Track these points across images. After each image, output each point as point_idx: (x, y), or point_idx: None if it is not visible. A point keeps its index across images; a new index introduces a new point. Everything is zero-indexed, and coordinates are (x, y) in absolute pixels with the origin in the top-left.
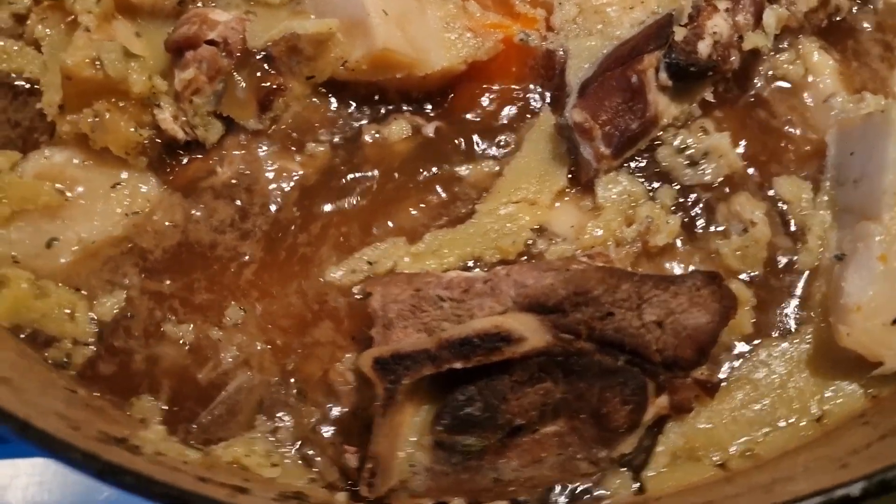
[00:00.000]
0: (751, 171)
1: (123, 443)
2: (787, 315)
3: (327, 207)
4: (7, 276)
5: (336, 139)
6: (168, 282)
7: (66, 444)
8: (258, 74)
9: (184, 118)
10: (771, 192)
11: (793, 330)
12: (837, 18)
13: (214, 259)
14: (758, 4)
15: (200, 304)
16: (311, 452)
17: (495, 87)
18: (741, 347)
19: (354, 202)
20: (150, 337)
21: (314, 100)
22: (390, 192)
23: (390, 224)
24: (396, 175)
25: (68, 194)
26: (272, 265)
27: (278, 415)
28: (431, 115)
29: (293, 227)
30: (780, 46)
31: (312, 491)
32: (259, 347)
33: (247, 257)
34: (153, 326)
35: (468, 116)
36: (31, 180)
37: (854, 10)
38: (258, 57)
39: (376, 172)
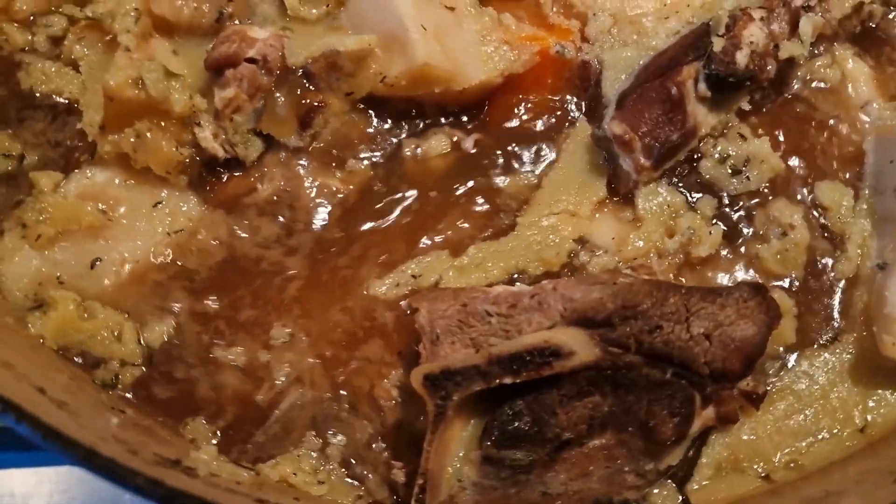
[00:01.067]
0: (793, 163)
1: (178, 465)
2: (828, 324)
3: (367, 226)
4: (54, 298)
5: (376, 156)
6: (212, 299)
7: (131, 471)
8: (298, 91)
9: (223, 136)
10: (809, 198)
11: (834, 339)
12: (871, 25)
13: (258, 274)
14: (793, 12)
15: (245, 322)
16: (359, 469)
17: (532, 98)
18: (784, 357)
19: (394, 220)
20: (202, 360)
21: (353, 116)
22: (430, 210)
23: (434, 239)
24: (435, 193)
25: (111, 214)
26: (316, 284)
27: (330, 431)
28: (469, 127)
29: (334, 249)
30: (815, 53)
31: None
32: (310, 362)
33: (292, 272)
34: (203, 349)
35: (506, 126)
36: (73, 200)
37: (890, 17)
38: (298, 74)
39: (415, 192)
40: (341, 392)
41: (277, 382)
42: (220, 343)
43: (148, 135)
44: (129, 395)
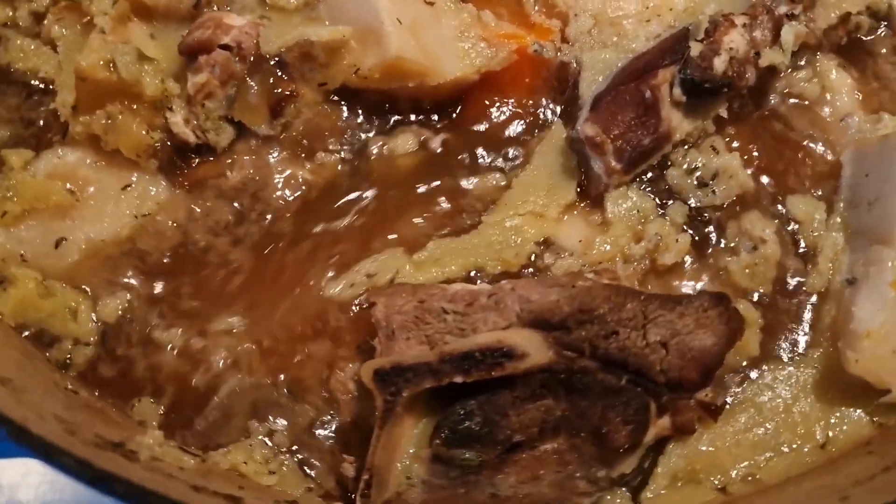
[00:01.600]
0: (765, 180)
1: (120, 448)
2: (794, 338)
3: (319, 227)
4: (15, 276)
5: (344, 151)
6: (161, 284)
7: (60, 450)
8: (271, 80)
9: (195, 122)
10: (782, 211)
11: (800, 354)
12: (857, 37)
13: (205, 264)
14: (776, 20)
15: (186, 311)
16: (308, 458)
17: (507, 100)
18: (747, 370)
19: (348, 222)
20: (145, 341)
21: (325, 107)
22: (387, 211)
23: (387, 237)
24: (394, 192)
25: (79, 195)
26: (262, 281)
27: (271, 417)
28: (439, 126)
29: (282, 245)
30: (798, 63)
31: (308, 500)
32: (247, 347)
33: (236, 264)
34: (146, 330)
35: (476, 128)
36: (43, 180)
37: (875, 30)
38: (271, 63)
39: (374, 191)
40: (280, 377)
41: (214, 367)
42: (160, 323)
43: (119, 117)
44: (78, 375)
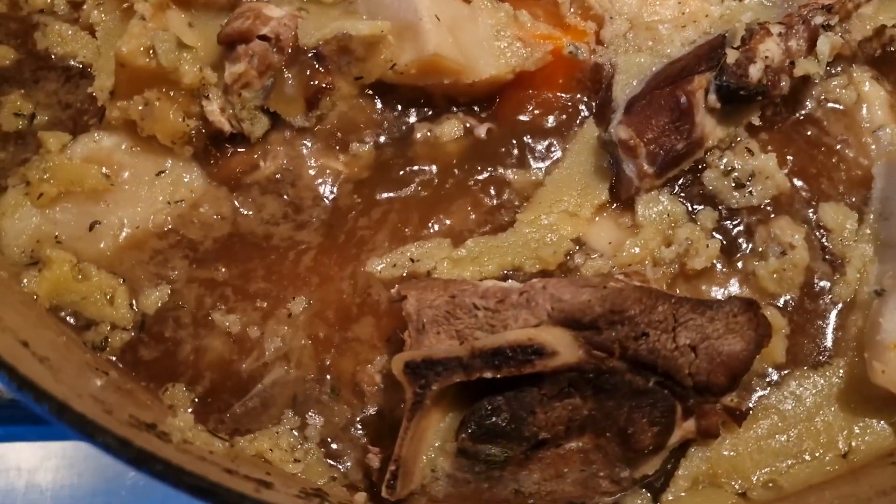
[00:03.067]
0: (798, 183)
1: (153, 429)
2: (820, 346)
3: (387, 195)
4: (50, 258)
5: (382, 139)
6: (223, 269)
7: (101, 428)
8: (308, 72)
9: (231, 111)
10: (813, 217)
11: (825, 362)
12: (891, 49)
13: (271, 249)
14: (812, 31)
15: (255, 293)
16: (335, 448)
17: (542, 96)
18: (772, 376)
19: (414, 191)
20: (197, 324)
21: (360, 100)
22: (449, 188)
23: (443, 222)
24: (456, 171)
25: (114, 179)
26: (331, 249)
27: (309, 412)
28: (483, 116)
29: (354, 213)
30: (832, 73)
31: (333, 489)
32: (302, 342)
33: (304, 245)
34: (202, 313)
35: (517, 118)
36: (79, 163)
37: None
38: (309, 55)
39: (434, 168)
40: (326, 375)
41: (266, 355)
42: (221, 307)
43: (156, 103)
44: (114, 359)
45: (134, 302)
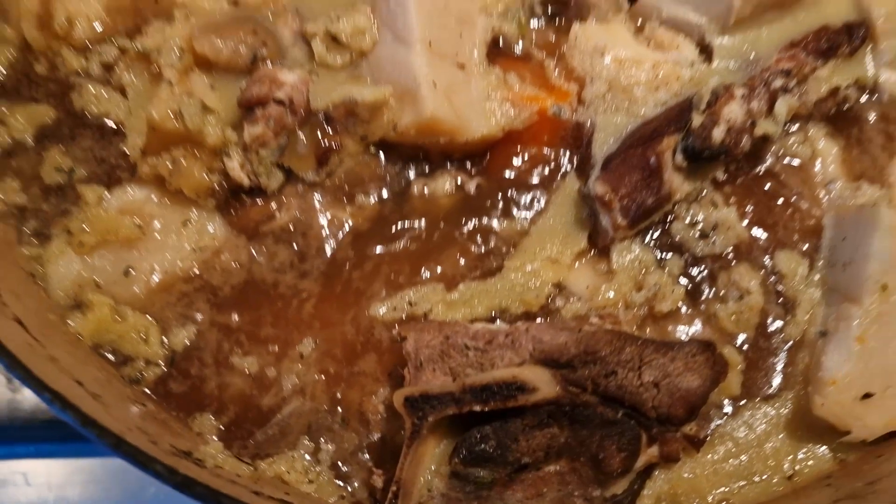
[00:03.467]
0: (757, 232)
1: (189, 456)
2: (771, 381)
3: (379, 249)
4: (91, 301)
5: (384, 193)
6: (236, 317)
7: (151, 458)
8: (318, 133)
9: (249, 167)
10: (769, 264)
11: (775, 395)
12: (845, 108)
13: (277, 297)
14: (772, 93)
15: (265, 338)
16: (344, 471)
17: (528, 154)
18: (728, 407)
19: (404, 246)
20: (219, 365)
21: (365, 157)
22: (437, 240)
23: (435, 270)
24: (442, 225)
25: (145, 228)
26: (330, 298)
27: (322, 439)
28: (472, 172)
29: (348, 265)
30: (790, 130)
31: None
32: (315, 377)
33: (305, 294)
34: (222, 356)
35: (505, 174)
36: (114, 214)
37: (861, 100)
38: (319, 117)
39: (424, 222)
40: (338, 408)
41: (284, 390)
42: (238, 352)
43: (182, 161)
44: (148, 391)
45: (165, 339)
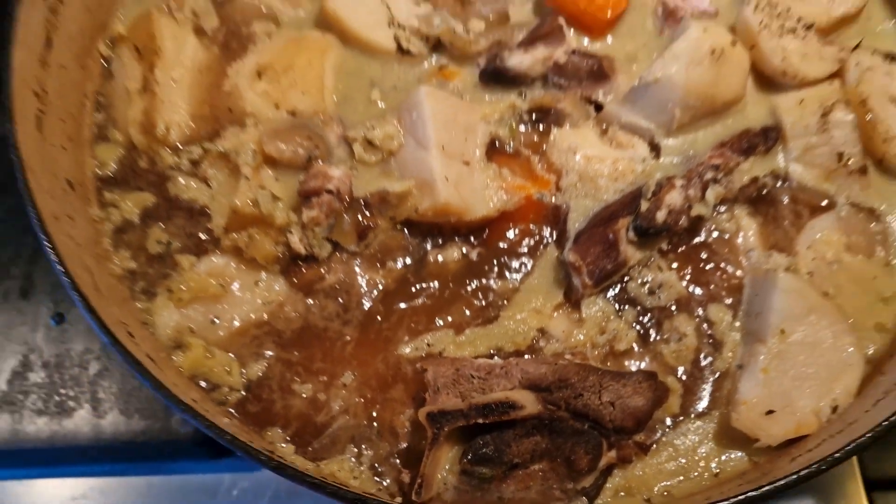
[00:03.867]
0: (693, 289)
1: (272, 454)
2: (702, 402)
3: (403, 304)
4: (189, 343)
5: (407, 260)
6: (296, 353)
7: (257, 451)
8: (358, 215)
9: (306, 240)
10: (702, 313)
11: (706, 413)
12: (763, 192)
13: (326, 339)
14: (704, 183)
15: (317, 370)
16: (381, 470)
17: (518, 229)
18: (669, 422)
19: (422, 301)
20: (283, 391)
21: (394, 232)
22: (447, 297)
23: (447, 319)
24: (451, 285)
25: (226, 287)
26: (366, 341)
27: (363, 445)
28: (475, 243)
29: (380, 316)
30: (720, 211)
31: (381, 496)
32: (356, 401)
33: (347, 338)
34: (285, 384)
35: (500, 245)
36: (203, 276)
37: (776, 186)
38: (359, 203)
39: (437, 283)
40: (374, 423)
41: (332, 411)
42: (297, 381)
43: (256, 236)
44: (232, 411)
45: (243, 371)
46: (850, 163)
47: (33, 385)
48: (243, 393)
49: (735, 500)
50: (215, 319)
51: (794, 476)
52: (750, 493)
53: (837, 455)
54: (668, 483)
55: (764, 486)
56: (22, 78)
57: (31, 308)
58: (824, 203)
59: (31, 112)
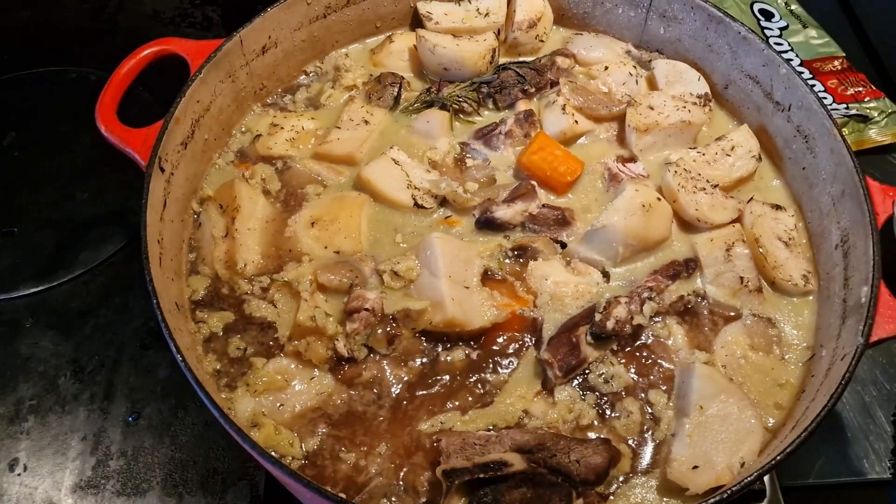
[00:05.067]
0: (637, 378)
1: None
2: (647, 462)
3: (421, 393)
4: (263, 423)
5: (424, 360)
6: (343, 430)
7: (334, 496)
8: (388, 328)
9: (349, 346)
10: (644, 397)
11: (650, 470)
12: (689, 306)
13: (365, 420)
14: (642, 300)
15: (359, 443)
16: None
17: (506, 335)
18: (621, 478)
19: (436, 390)
20: (333, 459)
21: (414, 339)
22: (455, 387)
23: (455, 404)
24: (458, 378)
25: (289, 382)
26: (395, 421)
27: (393, 499)
28: (474, 347)
29: (405, 403)
30: (656, 321)
31: None
32: (388, 465)
33: (381, 418)
34: (334, 454)
35: (494, 348)
36: (272, 374)
37: (698, 301)
38: (389, 318)
39: (447, 377)
40: (401, 483)
41: (370, 473)
42: (343, 451)
43: (312, 344)
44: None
45: (302, 445)
46: (749, 284)
47: (113, 472)
48: (303, 461)
49: None
50: (281, 405)
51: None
52: None
53: (732, 490)
54: None
55: None
56: (151, 232)
57: (113, 408)
58: (733, 314)
59: (156, 255)
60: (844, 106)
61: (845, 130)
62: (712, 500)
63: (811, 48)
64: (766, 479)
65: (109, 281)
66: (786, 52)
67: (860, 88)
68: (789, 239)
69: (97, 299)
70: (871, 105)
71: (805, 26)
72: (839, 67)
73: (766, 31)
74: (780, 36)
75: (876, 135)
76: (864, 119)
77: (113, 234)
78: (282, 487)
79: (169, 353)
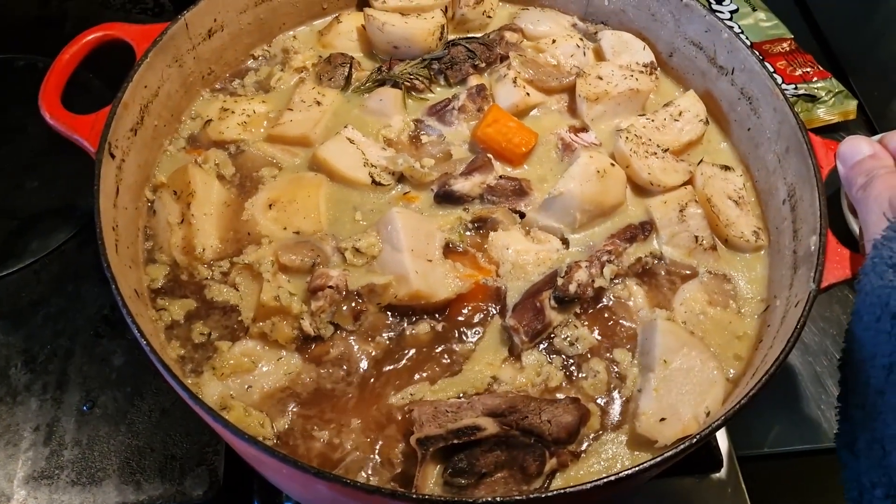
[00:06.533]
0: (601, 339)
1: None
2: (616, 418)
3: (388, 367)
4: (231, 405)
5: (391, 335)
6: (313, 409)
7: (320, 472)
8: (353, 303)
9: (315, 324)
10: (609, 356)
11: (619, 426)
12: (647, 267)
13: (334, 397)
14: (601, 263)
15: (329, 420)
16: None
17: (470, 305)
18: (591, 435)
19: (403, 364)
20: (305, 437)
21: (380, 314)
22: (422, 359)
23: (423, 375)
24: (424, 350)
25: (255, 364)
26: (364, 396)
27: (369, 473)
28: (440, 319)
29: (372, 378)
30: (616, 283)
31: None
32: (362, 440)
33: (350, 395)
34: (305, 432)
35: (459, 319)
36: (238, 357)
37: (655, 263)
38: (354, 294)
39: (413, 350)
40: (376, 456)
41: (344, 449)
42: (315, 429)
43: (277, 324)
44: None
45: (273, 425)
46: (703, 243)
47: (67, 461)
48: (275, 441)
49: (636, 468)
50: (249, 387)
51: (672, 451)
52: (645, 464)
53: (700, 435)
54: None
55: (652, 461)
56: (105, 218)
57: (66, 397)
58: (689, 272)
59: (112, 241)
60: (793, 86)
61: None
62: (681, 448)
63: (760, 30)
64: (722, 449)
65: (61, 270)
66: (736, 34)
67: (808, 69)
68: (739, 198)
69: (49, 288)
70: (819, 85)
71: (754, 9)
72: (787, 49)
73: (717, 14)
74: (730, 19)
75: (824, 114)
76: (813, 99)
77: (64, 223)
78: (242, 472)
79: (124, 340)
